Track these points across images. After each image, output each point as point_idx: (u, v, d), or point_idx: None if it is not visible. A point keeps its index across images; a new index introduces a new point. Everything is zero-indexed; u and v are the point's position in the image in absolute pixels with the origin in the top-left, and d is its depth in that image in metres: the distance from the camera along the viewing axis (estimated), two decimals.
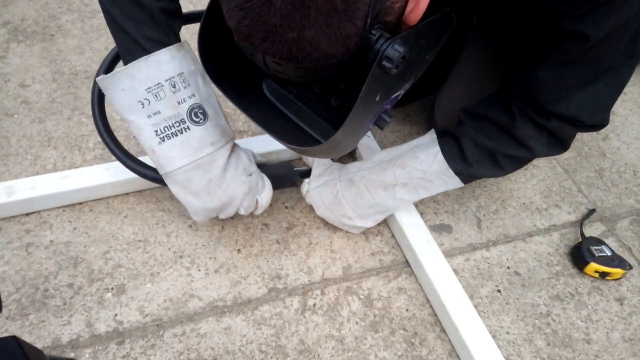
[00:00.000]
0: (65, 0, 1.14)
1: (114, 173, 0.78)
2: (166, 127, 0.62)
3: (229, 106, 0.97)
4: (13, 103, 0.92)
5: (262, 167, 0.78)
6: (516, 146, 0.67)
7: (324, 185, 0.78)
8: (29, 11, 1.10)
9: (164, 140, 0.63)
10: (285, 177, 0.80)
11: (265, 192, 0.74)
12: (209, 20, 0.57)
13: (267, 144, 0.86)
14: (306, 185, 0.80)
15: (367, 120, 0.56)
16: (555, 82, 0.61)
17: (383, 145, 0.93)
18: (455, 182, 0.71)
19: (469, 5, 0.75)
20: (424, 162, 0.71)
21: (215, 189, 0.67)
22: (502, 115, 0.67)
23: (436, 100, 0.89)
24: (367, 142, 0.89)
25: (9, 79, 0.96)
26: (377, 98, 0.52)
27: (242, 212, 0.72)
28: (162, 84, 0.61)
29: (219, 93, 0.61)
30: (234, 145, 0.70)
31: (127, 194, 0.81)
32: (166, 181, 0.67)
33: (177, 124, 0.62)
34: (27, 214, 0.77)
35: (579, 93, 0.61)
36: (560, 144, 0.68)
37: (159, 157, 0.64)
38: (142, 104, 0.61)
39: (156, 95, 0.61)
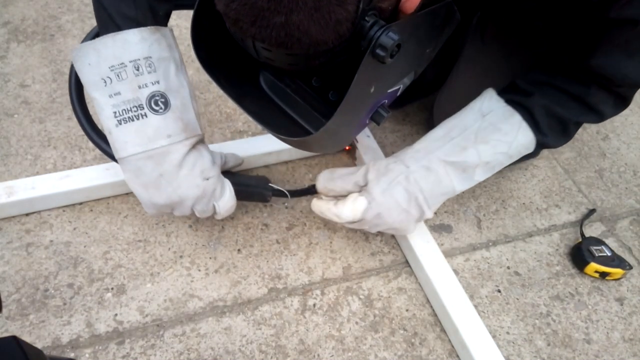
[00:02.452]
0: (65, 0, 1.14)
1: (114, 173, 0.78)
2: (124, 110, 0.60)
3: (229, 106, 0.97)
4: (13, 103, 0.92)
5: (234, 175, 0.74)
6: (587, 112, 0.66)
7: (394, 184, 0.67)
8: (29, 11, 1.10)
9: (120, 124, 0.60)
10: (255, 190, 0.75)
11: (225, 199, 0.68)
12: (202, 5, 0.55)
13: (267, 144, 0.86)
14: (362, 200, 0.67)
15: (361, 111, 0.54)
16: (614, 64, 0.60)
17: (383, 146, 0.92)
18: (521, 154, 0.69)
19: (471, 4, 0.75)
20: (508, 134, 0.65)
21: (165, 186, 0.63)
22: (573, 85, 0.65)
23: (435, 100, 0.89)
24: (367, 142, 0.89)
25: (9, 79, 0.96)
26: (372, 89, 0.50)
27: (197, 214, 0.68)
28: (125, 65, 0.59)
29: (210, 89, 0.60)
30: (200, 144, 0.66)
31: (127, 194, 0.81)
32: (120, 167, 0.64)
33: (135, 108, 0.60)
34: (27, 214, 0.77)
35: None
36: (623, 103, 0.67)
37: (114, 140, 0.61)
38: (105, 82, 0.59)
39: (118, 75, 0.59)
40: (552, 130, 0.68)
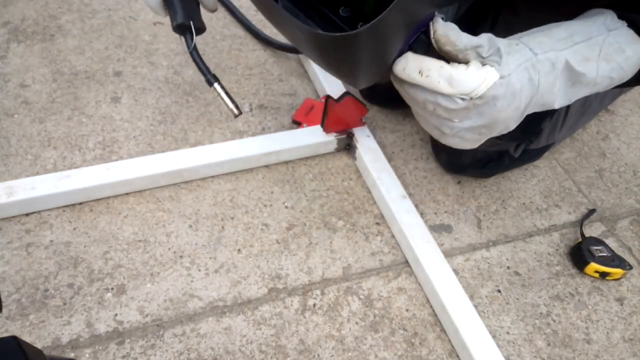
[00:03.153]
0: (65, 0, 1.14)
1: (114, 173, 0.78)
2: None
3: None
4: (13, 103, 0.92)
5: None
6: None
7: (521, 69, 0.51)
8: (29, 11, 1.11)
9: None
10: (181, 7, 0.63)
11: None
12: None
13: (268, 145, 0.86)
14: (494, 72, 0.49)
15: (412, 17, 0.46)
16: None
17: (383, 146, 0.92)
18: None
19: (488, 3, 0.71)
20: (629, 60, 0.58)
21: None
22: None
23: None
24: (368, 142, 0.89)
25: (9, 79, 0.96)
26: None
27: None
28: None
29: None
30: None
31: (127, 194, 0.81)
32: None
33: None
34: (27, 214, 0.77)
35: None
36: None
37: None
38: None
39: None
40: None
